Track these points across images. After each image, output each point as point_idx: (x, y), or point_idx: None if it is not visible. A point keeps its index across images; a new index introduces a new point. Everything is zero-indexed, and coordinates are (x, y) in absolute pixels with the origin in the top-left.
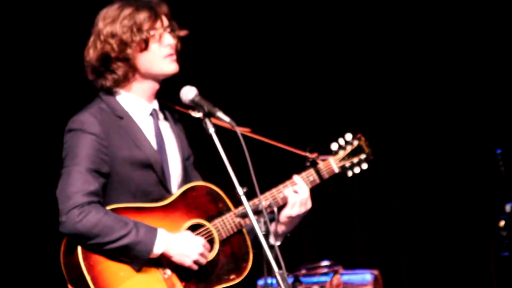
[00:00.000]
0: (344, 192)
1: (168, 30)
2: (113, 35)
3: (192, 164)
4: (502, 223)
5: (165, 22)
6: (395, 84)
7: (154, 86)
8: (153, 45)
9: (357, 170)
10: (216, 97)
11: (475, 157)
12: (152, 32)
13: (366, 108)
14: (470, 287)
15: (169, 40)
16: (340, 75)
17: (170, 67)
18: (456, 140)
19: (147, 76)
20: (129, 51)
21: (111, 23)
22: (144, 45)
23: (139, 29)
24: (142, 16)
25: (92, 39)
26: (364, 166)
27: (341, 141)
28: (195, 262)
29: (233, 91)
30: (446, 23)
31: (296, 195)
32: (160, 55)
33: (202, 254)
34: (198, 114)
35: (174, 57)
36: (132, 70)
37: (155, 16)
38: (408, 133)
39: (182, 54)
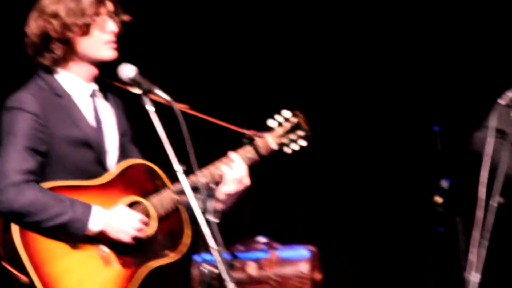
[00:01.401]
0: (284, 169)
1: (112, 15)
2: (55, 15)
3: (130, 140)
4: (438, 198)
5: (110, 7)
6: (331, 62)
7: (92, 69)
8: (94, 31)
9: (295, 147)
10: (154, 73)
11: (412, 134)
12: (95, 18)
13: (304, 85)
14: (406, 262)
15: (112, 27)
16: (278, 50)
17: (109, 53)
18: (394, 117)
19: (85, 59)
20: (70, 34)
21: (55, 2)
22: (86, 29)
23: (83, 14)
24: (87, 0)
25: (34, 14)
26: (303, 143)
27: (279, 117)
28: (133, 237)
29: (170, 67)
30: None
31: (232, 172)
32: (101, 41)
33: (139, 230)
34: (137, 90)
35: (115, 44)
36: (71, 52)
37: (100, 1)
38: (346, 110)
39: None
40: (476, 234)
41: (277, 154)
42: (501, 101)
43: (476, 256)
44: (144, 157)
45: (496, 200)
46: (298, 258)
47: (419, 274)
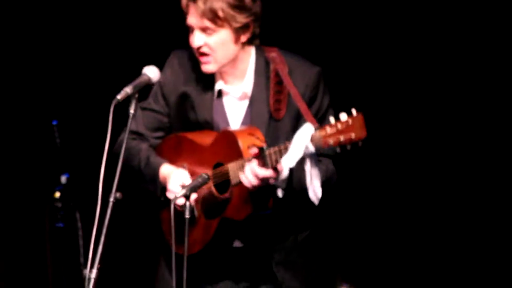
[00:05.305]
0: None
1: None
2: None
3: None
4: (57, 194)
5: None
6: None
7: None
8: None
9: None
10: None
11: (31, 127)
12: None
13: None
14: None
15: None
16: None
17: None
18: (13, 111)
19: None
20: None
21: None
22: None
23: None
24: None
25: None
26: None
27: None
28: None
29: None
30: None
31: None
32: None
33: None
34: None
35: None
36: None
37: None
38: None
39: None
40: (94, 230)
41: None
42: (119, 96)
43: (94, 252)
44: None
45: (113, 196)
46: None
47: (39, 271)
